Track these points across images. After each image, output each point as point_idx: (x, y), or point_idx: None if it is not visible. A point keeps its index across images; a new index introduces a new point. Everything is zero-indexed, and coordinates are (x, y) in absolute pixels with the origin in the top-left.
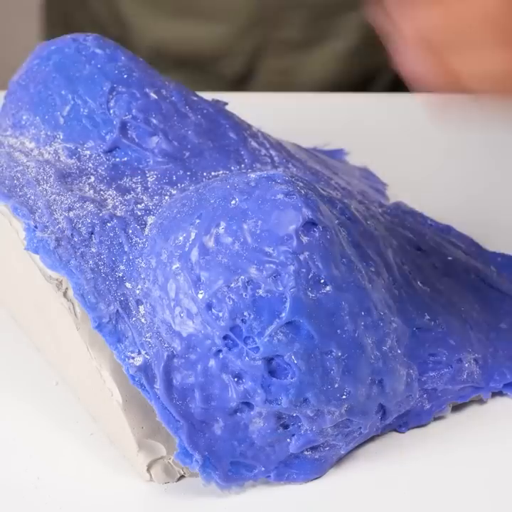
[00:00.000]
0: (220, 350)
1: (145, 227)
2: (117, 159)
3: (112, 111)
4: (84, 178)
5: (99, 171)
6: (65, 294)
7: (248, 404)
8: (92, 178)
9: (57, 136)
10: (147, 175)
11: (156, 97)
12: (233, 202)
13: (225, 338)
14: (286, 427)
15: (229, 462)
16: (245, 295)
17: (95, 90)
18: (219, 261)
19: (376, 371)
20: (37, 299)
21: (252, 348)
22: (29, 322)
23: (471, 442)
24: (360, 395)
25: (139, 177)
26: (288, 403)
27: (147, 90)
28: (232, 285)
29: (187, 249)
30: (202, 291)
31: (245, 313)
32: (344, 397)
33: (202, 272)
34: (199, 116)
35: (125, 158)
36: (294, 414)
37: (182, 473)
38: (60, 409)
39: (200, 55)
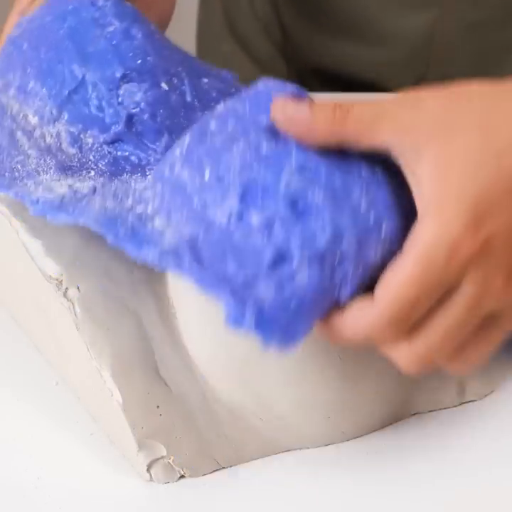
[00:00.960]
0: (241, 214)
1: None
2: (119, 153)
3: (120, 99)
4: (84, 171)
5: (100, 165)
6: (65, 294)
7: (285, 258)
8: (92, 173)
9: (62, 116)
10: (147, 173)
11: (167, 88)
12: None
13: (242, 200)
14: (331, 277)
15: (283, 320)
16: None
17: (107, 73)
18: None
19: None
20: (37, 299)
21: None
22: (29, 322)
23: (472, 442)
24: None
25: (139, 174)
26: (325, 242)
27: (159, 79)
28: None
29: (186, 142)
30: (208, 170)
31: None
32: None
33: (204, 158)
34: (206, 113)
35: (126, 153)
36: (336, 259)
37: (182, 473)
38: (60, 409)
39: (358, 77)
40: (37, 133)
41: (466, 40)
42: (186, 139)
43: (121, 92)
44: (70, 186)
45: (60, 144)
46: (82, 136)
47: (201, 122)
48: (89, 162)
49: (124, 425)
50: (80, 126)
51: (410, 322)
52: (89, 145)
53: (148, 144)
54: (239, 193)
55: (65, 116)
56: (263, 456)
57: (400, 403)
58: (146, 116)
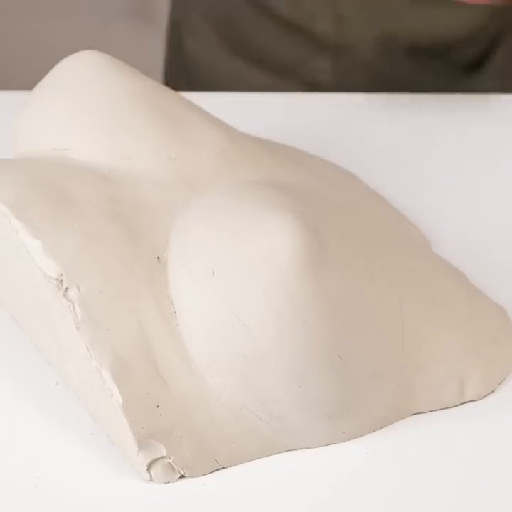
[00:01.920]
0: None
1: None
2: None
3: None
4: None
5: None
6: (65, 294)
7: None
8: None
9: None
10: None
11: None
12: None
13: None
14: None
15: None
16: None
17: None
18: None
19: None
20: (37, 299)
21: None
22: (29, 322)
23: (472, 442)
24: None
25: None
26: None
27: None
28: None
29: None
30: None
31: None
32: None
33: None
34: None
35: None
36: None
37: (182, 473)
38: (60, 409)
39: (437, 42)
40: None
41: None
42: None
43: None
44: None
45: None
46: None
47: None
48: None
49: (124, 425)
50: None
51: None
52: None
53: None
54: None
55: None
56: (263, 456)
57: (400, 403)
58: None
